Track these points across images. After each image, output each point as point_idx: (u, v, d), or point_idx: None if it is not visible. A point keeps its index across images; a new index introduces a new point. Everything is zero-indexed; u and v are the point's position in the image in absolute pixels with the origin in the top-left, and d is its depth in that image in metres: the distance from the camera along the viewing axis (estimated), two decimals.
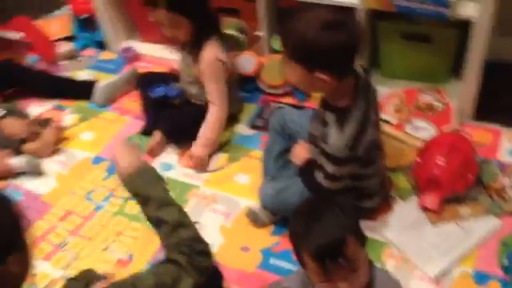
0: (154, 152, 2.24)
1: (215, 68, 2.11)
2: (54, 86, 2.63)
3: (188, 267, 1.15)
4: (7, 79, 2.58)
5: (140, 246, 1.90)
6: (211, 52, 2.10)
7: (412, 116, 2.21)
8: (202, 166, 2.15)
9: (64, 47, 2.90)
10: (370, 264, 1.27)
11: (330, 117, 1.57)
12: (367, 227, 1.82)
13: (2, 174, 2.18)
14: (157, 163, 2.21)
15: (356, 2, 2.12)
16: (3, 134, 2.27)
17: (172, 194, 1.29)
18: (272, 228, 1.89)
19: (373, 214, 1.86)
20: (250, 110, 2.42)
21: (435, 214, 1.81)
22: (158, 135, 2.24)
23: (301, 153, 1.78)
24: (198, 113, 2.25)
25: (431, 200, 1.82)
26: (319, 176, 1.66)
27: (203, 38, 2.09)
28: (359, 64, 1.60)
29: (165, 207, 1.22)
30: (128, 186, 1.26)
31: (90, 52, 2.95)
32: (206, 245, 1.22)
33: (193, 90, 2.27)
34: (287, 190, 1.77)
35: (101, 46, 2.94)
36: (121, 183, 1.29)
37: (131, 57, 2.82)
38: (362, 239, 1.23)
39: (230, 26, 2.59)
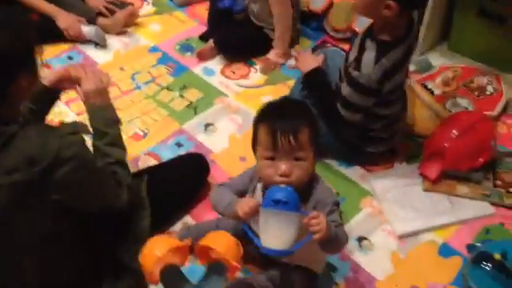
0: (202, 56, 2.39)
1: None
2: None
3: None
4: None
5: (157, 128, 2.08)
6: None
7: (457, 92, 2.13)
8: (272, 68, 2.32)
9: None
10: (317, 178, 1.32)
11: (370, 44, 1.59)
12: (361, 176, 1.86)
13: (73, 36, 2.45)
14: (201, 66, 2.36)
15: None
16: (86, 4, 2.54)
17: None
18: None
19: (373, 164, 1.88)
20: (305, 45, 2.47)
21: (431, 183, 1.79)
22: (211, 43, 2.38)
23: (308, 59, 1.82)
24: (254, 34, 2.36)
25: (431, 169, 1.79)
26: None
27: None
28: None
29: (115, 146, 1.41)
30: (91, 115, 1.41)
31: None
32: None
33: (254, 7, 2.34)
34: None
35: None
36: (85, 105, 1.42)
37: None
38: (317, 148, 1.26)
39: None
